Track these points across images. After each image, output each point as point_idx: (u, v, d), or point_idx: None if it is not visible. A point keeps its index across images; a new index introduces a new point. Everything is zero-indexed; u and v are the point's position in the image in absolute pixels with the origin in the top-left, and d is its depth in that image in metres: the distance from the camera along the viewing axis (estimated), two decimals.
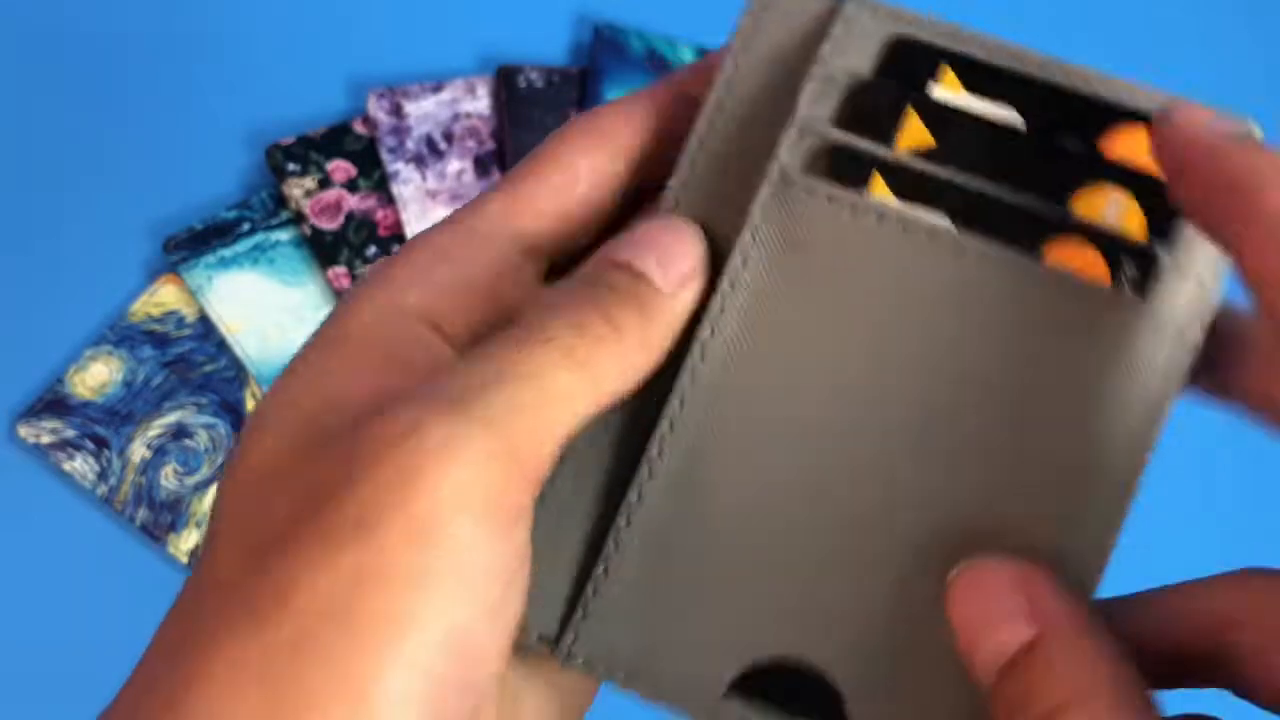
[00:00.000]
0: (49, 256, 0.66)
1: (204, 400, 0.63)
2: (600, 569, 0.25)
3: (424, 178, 0.67)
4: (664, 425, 0.25)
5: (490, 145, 0.68)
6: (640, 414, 0.25)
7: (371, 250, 0.66)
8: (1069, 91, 0.25)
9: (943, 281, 0.24)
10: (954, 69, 0.25)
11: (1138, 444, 0.23)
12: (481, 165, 0.68)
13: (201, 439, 0.63)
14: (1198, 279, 0.24)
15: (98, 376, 0.63)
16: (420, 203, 0.66)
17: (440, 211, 0.66)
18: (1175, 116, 0.22)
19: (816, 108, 0.25)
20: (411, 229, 0.66)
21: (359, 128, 0.68)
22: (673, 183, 0.26)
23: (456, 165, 0.67)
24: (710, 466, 0.25)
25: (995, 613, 0.22)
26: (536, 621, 0.25)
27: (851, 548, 0.24)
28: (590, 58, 0.70)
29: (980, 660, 0.22)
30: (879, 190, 0.25)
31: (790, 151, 0.25)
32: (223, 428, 0.63)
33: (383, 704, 0.20)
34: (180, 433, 0.63)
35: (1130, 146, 0.24)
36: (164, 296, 0.65)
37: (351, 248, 0.65)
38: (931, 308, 0.24)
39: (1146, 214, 0.24)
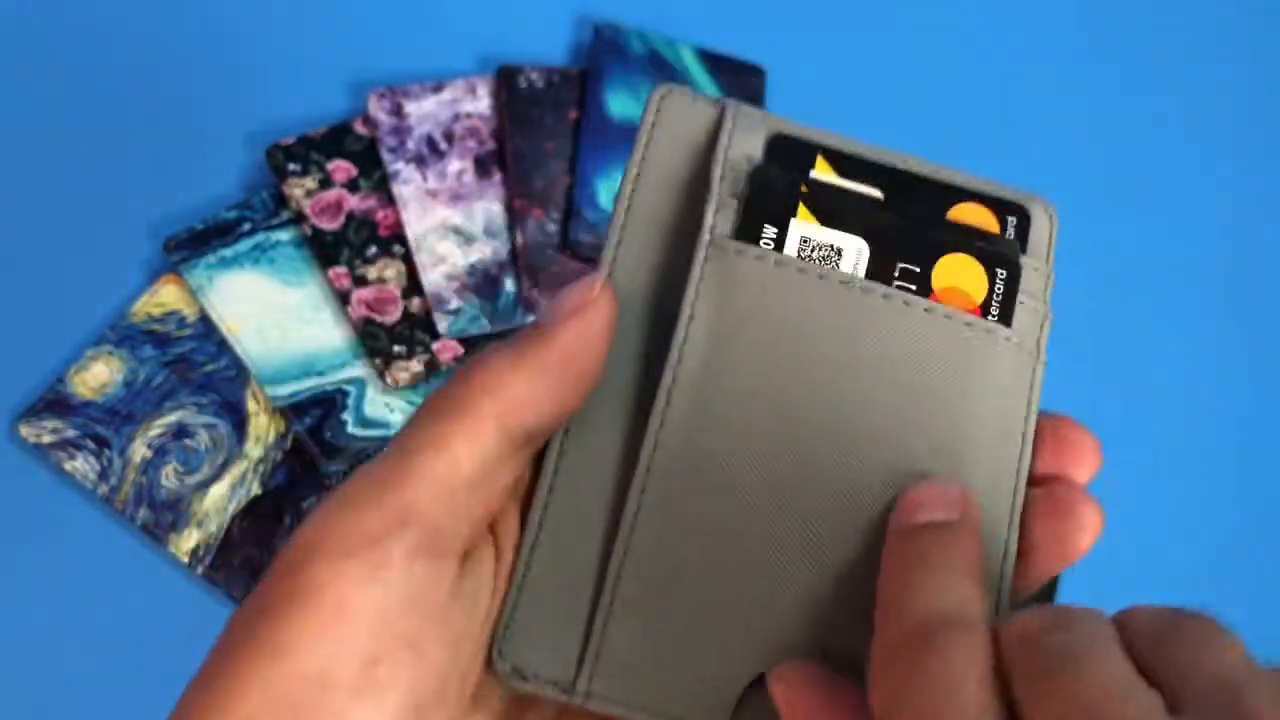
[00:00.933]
0: (50, 256, 0.66)
1: (205, 400, 0.63)
2: (606, 600, 0.27)
3: (425, 178, 0.67)
4: (642, 465, 0.28)
5: (491, 145, 0.68)
6: (618, 459, 0.29)
7: (372, 250, 0.66)
8: (916, 177, 0.31)
9: (852, 317, 0.29)
10: (825, 158, 0.31)
11: (1018, 430, 0.29)
12: (482, 165, 0.68)
13: (202, 439, 0.63)
14: (1035, 305, 0.30)
15: (99, 376, 0.63)
16: (421, 202, 0.66)
17: (441, 211, 0.66)
18: (899, 500, 0.27)
19: (726, 187, 0.30)
20: (412, 229, 0.66)
21: (359, 128, 0.68)
22: (605, 255, 0.30)
23: (457, 165, 0.67)
24: (692, 493, 0.28)
25: None
26: (547, 668, 0.27)
27: (825, 546, 0.28)
28: (590, 58, 0.70)
29: None
30: (805, 216, 0.30)
31: (714, 224, 0.30)
32: (223, 427, 0.63)
33: None
34: (181, 432, 0.63)
35: (969, 217, 0.30)
36: (165, 296, 0.65)
37: (352, 248, 0.66)
38: (843, 336, 0.29)
39: (989, 264, 0.30)
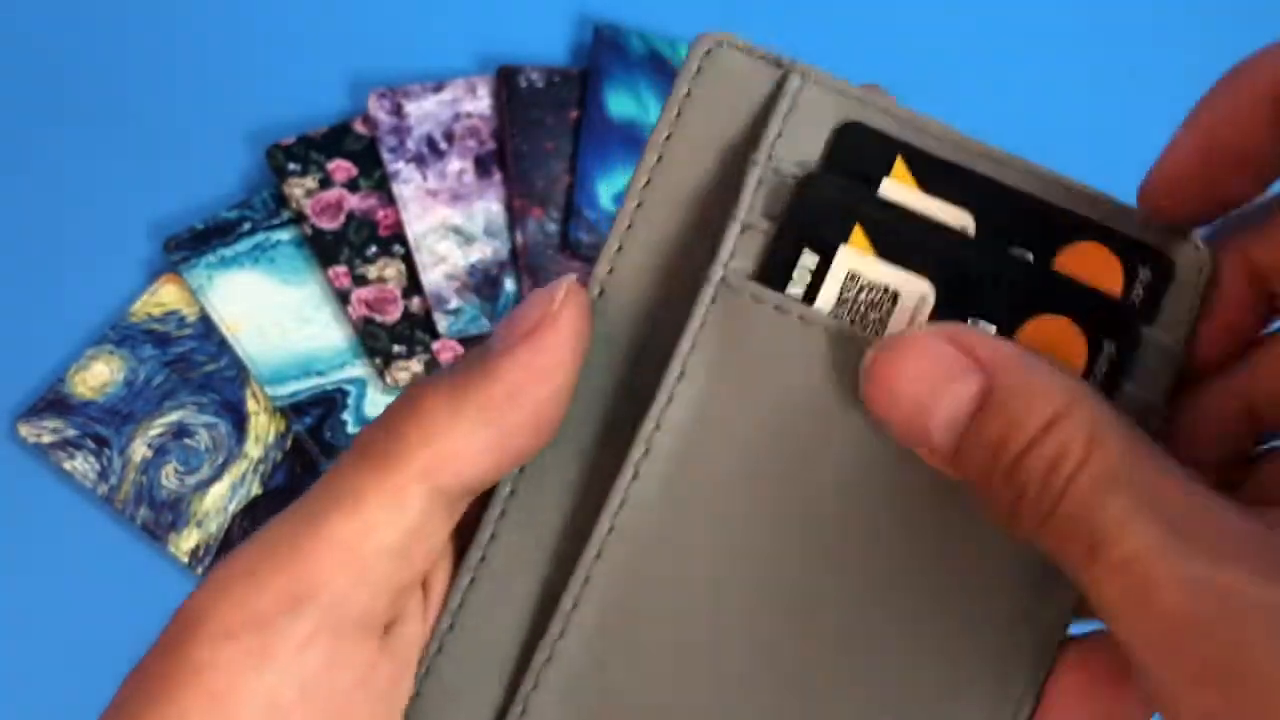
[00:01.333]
0: (50, 256, 0.66)
1: (205, 400, 0.63)
2: (520, 703, 0.23)
3: (424, 177, 0.67)
4: (590, 550, 0.23)
5: (491, 145, 0.68)
6: (564, 531, 0.23)
7: (372, 250, 0.66)
8: (1026, 198, 0.23)
9: None
10: (907, 162, 0.23)
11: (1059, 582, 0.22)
12: (482, 165, 0.68)
13: (202, 438, 0.63)
14: (1140, 408, 0.23)
15: (99, 376, 0.63)
16: (421, 202, 0.66)
17: (441, 211, 0.66)
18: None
19: (760, 201, 0.23)
20: (412, 229, 0.66)
21: (359, 127, 0.68)
22: (597, 270, 0.24)
23: (457, 165, 0.67)
24: (643, 597, 0.23)
25: (933, 378, 0.20)
26: None
27: (779, 675, 0.23)
28: (591, 58, 0.70)
29: (935, 431, 0.21)
30: (859, 243, 0.23)
31: (734, 251, 0.23)
32: (223, 427, 0.63)
33: None
34: (181, 432, 0.63)
35: (1084, 263, 0.23)
36: (165, 296, 0.65)
37: (352, 247, 0.66)
38: (867, 436, 0.22)
39: (1095, 333, 0.23)
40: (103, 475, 0.62)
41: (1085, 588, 0.19)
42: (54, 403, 0.62)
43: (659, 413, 0.23)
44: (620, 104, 0.69)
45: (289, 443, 0.63)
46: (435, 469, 0.21)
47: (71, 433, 0.62)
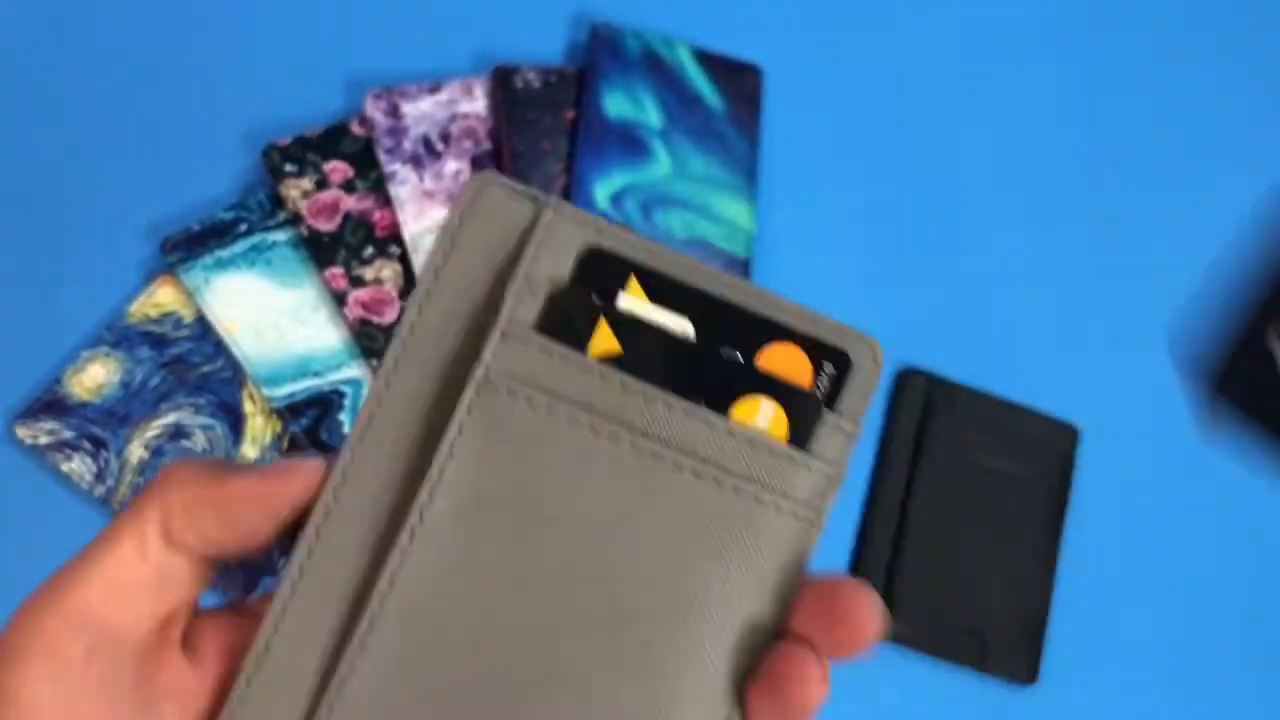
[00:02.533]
0: (47, 257, 0.66)
1: (202, 401, 0.63)
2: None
3: (421, 178, 0.67)
4: (374, 603, 0.27)
5: (487, 146, 0.68)
6: (351, 602, 0.28)
7: (368, 251, 0.66)
8: (734, 308, 0.29)
9: (623, 479, 0.28)
10: (639, 279, 0.29)
11: (766, 604, 0.28)
12: (478, 165, 0.68)
13: (199, 440, 0.63)
14: (823, 468, 0.28)
15: (95, 377, 0.63)
16: (417, 203, 0.66)
17: (438, 212, 0.66)
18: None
19: (520, 312, 0.28)
20: (409, 230, 0.66)
21: (356, 128, 0.68)
22: (384, 363, 0.29)
23: (454, 166, 0.67)
24: (415, 644, 0.27)
25: None
26: None
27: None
28: (587, 58, 0.70)
29: None
30: (604, 340, 0.28)
31: (495, 354, 0.28)
32: (220, 429, 0.63)
33: None
34: (178, 433, 0.63)
35: (780, 361, 0.29)
36: (161, 297, 0.65)
37: (349, 248, 0.65)
38: (613, 498, 0.28)
39: (790, 419, 0.28)
40: (100, 477, 0.62)
41: None
42: (50, 404, 0.62)
43: (431, 485, 0.28)
44: (616, 104, 0.69)
45: (285, 444, 0.63)
46: (165, 522, 0.26)
47: (68, 434, 0.62)
